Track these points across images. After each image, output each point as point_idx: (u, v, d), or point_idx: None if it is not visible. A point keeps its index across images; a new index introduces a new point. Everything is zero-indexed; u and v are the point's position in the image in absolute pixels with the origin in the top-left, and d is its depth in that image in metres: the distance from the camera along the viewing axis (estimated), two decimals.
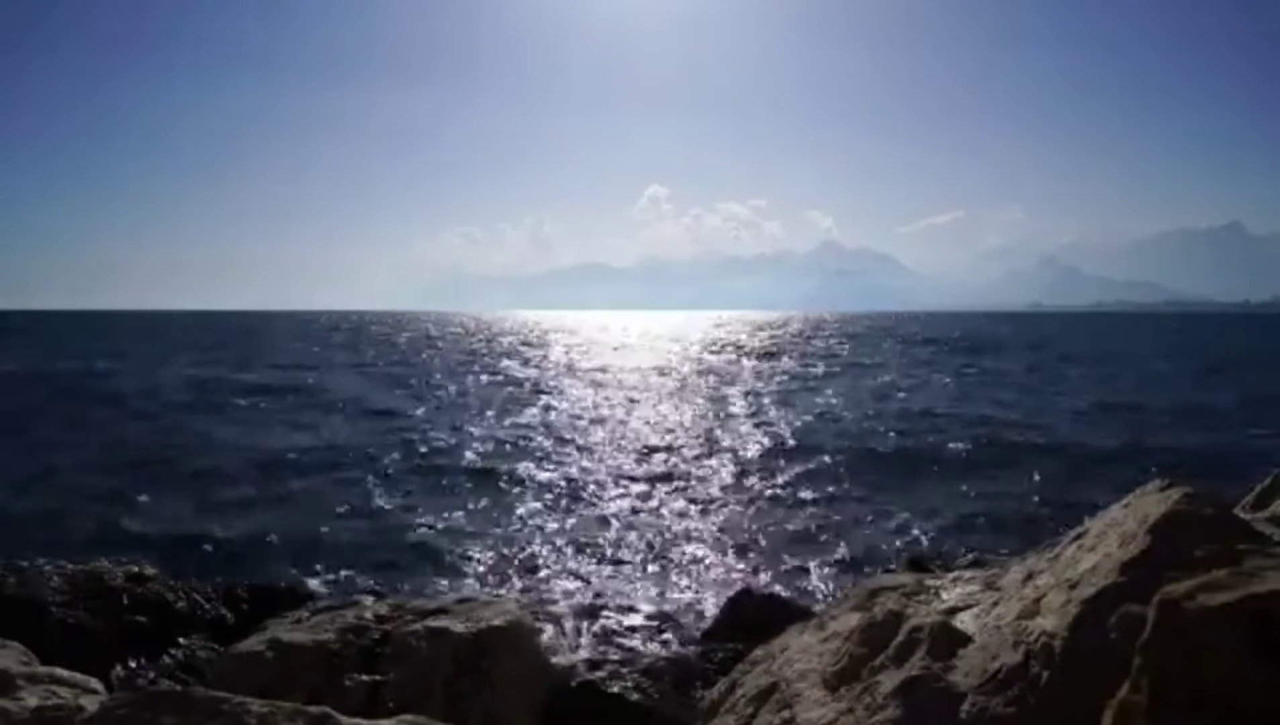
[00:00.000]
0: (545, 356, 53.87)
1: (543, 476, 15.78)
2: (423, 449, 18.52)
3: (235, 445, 18.66)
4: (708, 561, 10.61)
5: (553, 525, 12.22)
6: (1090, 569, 2.63)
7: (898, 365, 44.57)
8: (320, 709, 2.71)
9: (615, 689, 4.71)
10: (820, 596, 8.95)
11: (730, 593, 8.50)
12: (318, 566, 10.25)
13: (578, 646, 7.68)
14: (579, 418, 23.97)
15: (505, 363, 47.56)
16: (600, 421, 23.20)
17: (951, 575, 3.63)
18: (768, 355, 54.42)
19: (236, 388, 31.37)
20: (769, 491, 14.34)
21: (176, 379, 34.80)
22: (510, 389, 32.47)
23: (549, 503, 13.73)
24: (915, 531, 11.85)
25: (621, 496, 14.06)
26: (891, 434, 20.68)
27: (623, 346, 68.35)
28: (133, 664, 5.34)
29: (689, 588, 9.64)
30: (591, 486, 14.84)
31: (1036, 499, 13.67)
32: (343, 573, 10.02)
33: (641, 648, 7.59)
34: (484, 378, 37.87)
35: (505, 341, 75.10)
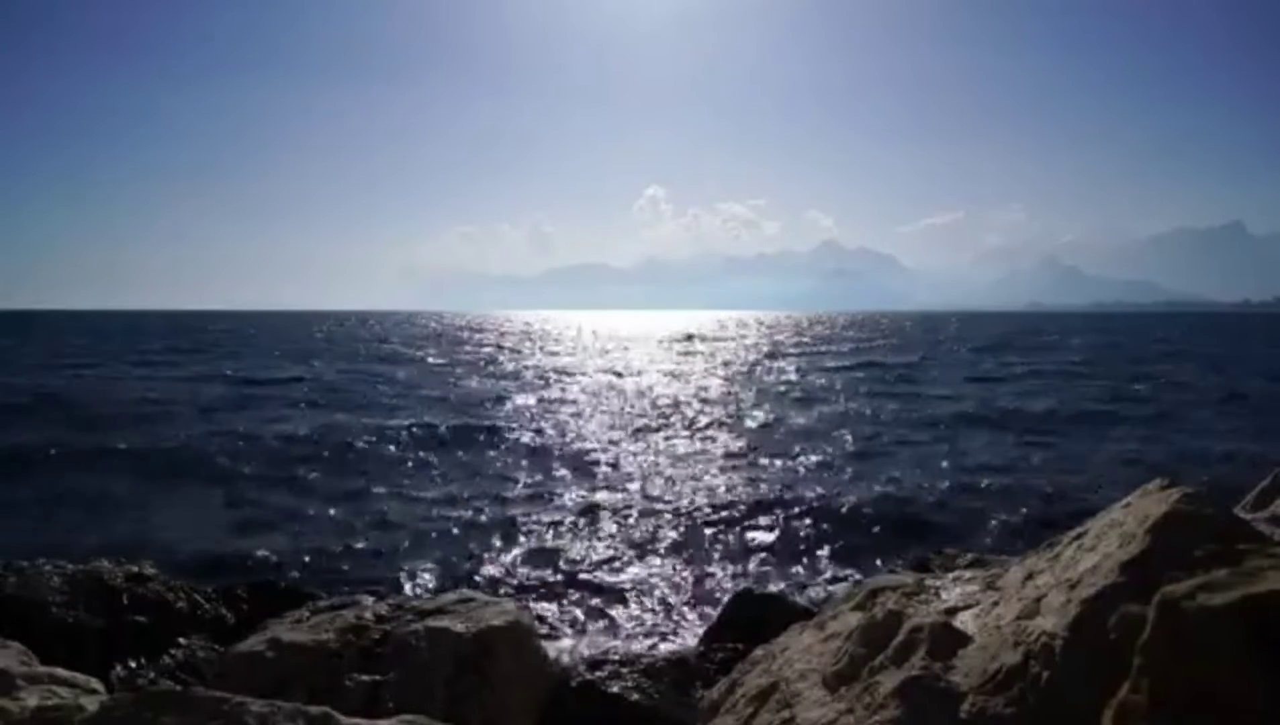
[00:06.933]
0: (544, 356, 53.84)
1: (542, 476, 15.79)
2: (422, 449, 18.52)
3: (233, 444, 18.66)
4: (708, 561, 10.61)
5: (553, 525, 12.22)
6: (1090, 569, 2.63)
7: (895, 366, 44.55)
8: (320, 709, 2.71)
9: (615, 689, 4.71)
10: (820, 596, 8.94)
11: (730, 593, 8.50)
12: (318, 566, 10.25)
13: (578, 646, 7.69)
14: (578, 419, 23.98)
15: (503, 363, 47.54)
16: (600, 423, 23.20)
17: (951, 575, 3.63)
18: (768, 355, 54.43)
19: (233, 387, 31.36)
20: (769, 491, 14.33)
21: (174, 379, 34.79)
22: (509, 390, 32.45)
23: (548, 503, 13.73)
24: (915, 532, 11.84)
25: (622, 497, 14.05)
26: (892, 434, 20.67)
27: (622, 346, 68.33)
28: (133, 664, 5.33)
29: (689, 588, 9.64)
30: (591, 487, 14.85)
31: (1036, 499, 13.66)
32: (343, 572, 10.02)
33: (641, 648, 7.60)
34: (482, 379, 37.84)
35: (503, 342, 75.08)
